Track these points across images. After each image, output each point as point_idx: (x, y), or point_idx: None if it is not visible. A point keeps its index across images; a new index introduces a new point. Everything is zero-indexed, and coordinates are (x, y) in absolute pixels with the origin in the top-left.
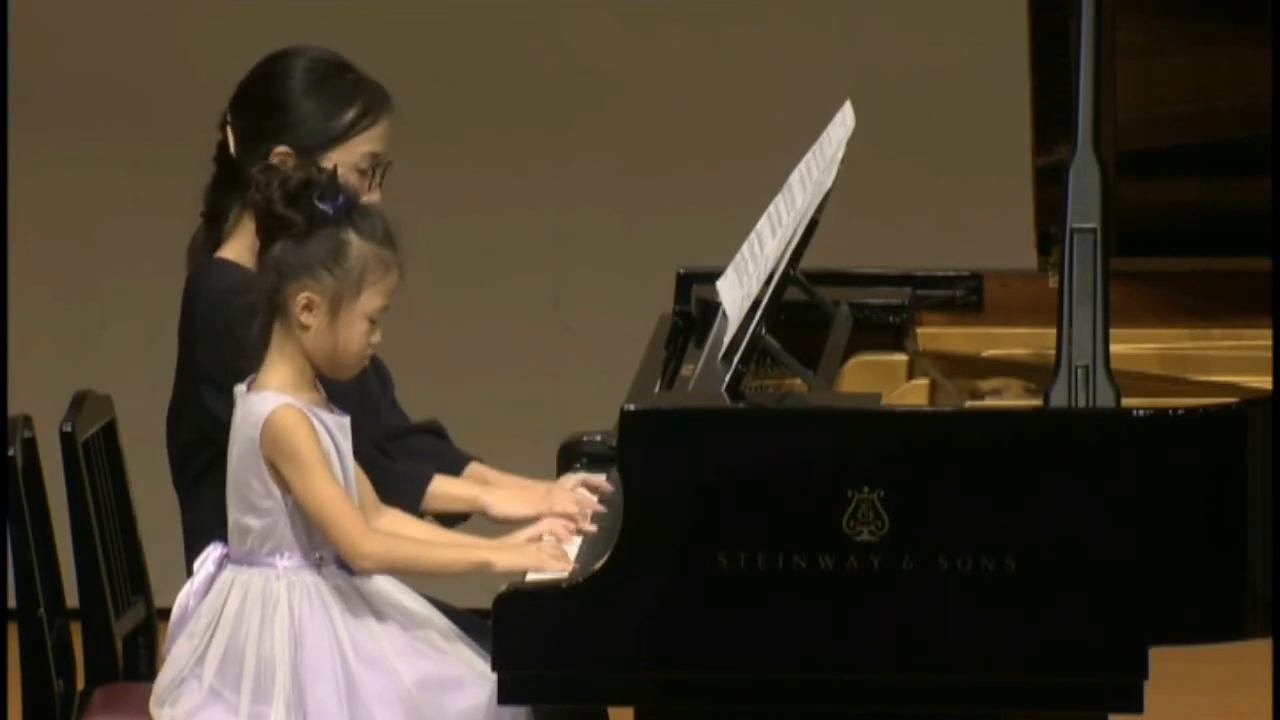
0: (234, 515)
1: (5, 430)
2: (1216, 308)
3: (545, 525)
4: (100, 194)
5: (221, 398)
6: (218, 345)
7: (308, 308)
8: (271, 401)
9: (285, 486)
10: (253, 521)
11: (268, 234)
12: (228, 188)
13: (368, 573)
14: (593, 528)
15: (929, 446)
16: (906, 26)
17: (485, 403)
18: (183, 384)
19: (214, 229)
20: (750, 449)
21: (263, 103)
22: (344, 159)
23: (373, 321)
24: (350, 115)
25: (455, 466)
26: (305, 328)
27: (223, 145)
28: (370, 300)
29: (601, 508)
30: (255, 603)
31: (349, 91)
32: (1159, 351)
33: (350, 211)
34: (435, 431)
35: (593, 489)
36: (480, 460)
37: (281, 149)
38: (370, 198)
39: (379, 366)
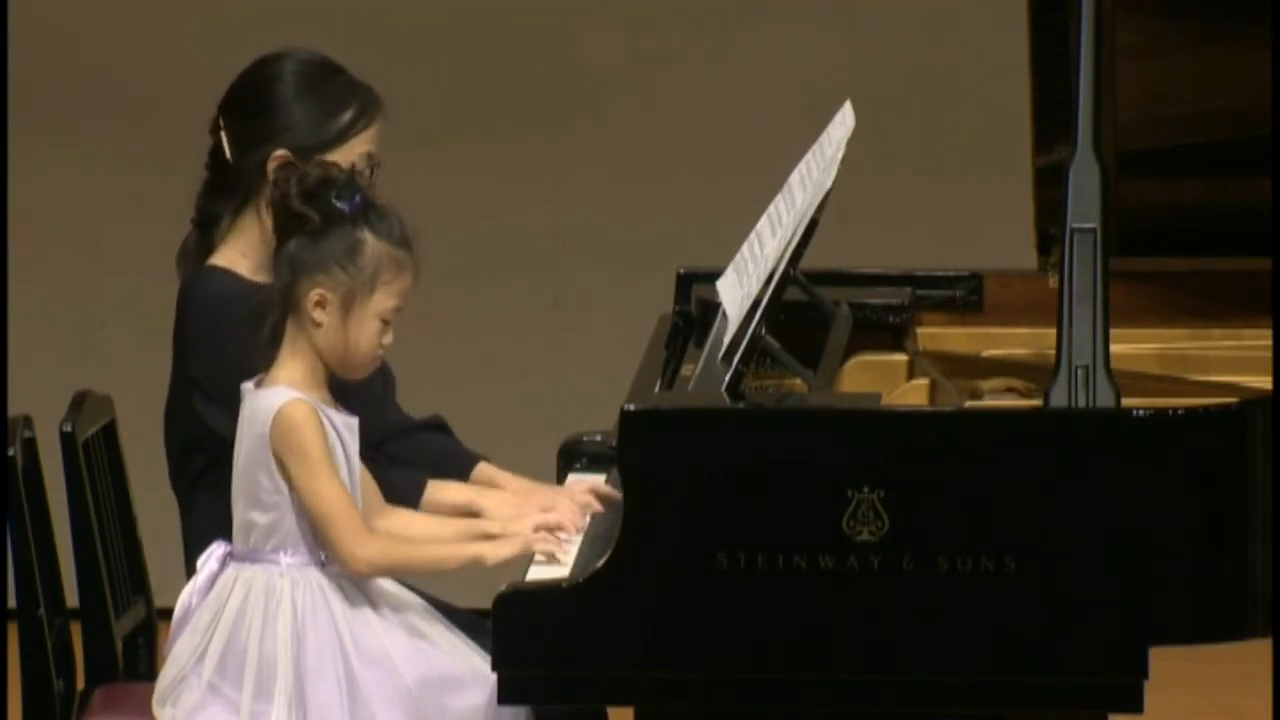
0: (240, 511)
1: (5, 430)
2: (1216, 308)
3: (555, 517)
4: (100, 194)
5: (212, 408)
6: (209, 355)
7: (320, 305)
8: (282, 396)
9: (291, 482)
10: (259, 517)
11: (283, 231)
12: (221, 192)
13: (361, 576)
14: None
15: (929, 446)
16: (906, 26)
17: (485, 403)
18: (176, 391)
19: (205, 235)
20: (750, 449)
21: (254, 106)
22: (341, 160)
23: (385, 322)
24: (346, 117)
25: (463, 465)
26: (317, 325)
27: (215, 150)
28: (383, 300)
29: (600, 507)
30: (258, 599)
31: (343, 94)
32: (1159, 351)
33: (367, 211)
34: (440, 427)
35: (602, 498)
36: (488, 460)
37: (280, 153)
38: None
39: (383, 366)
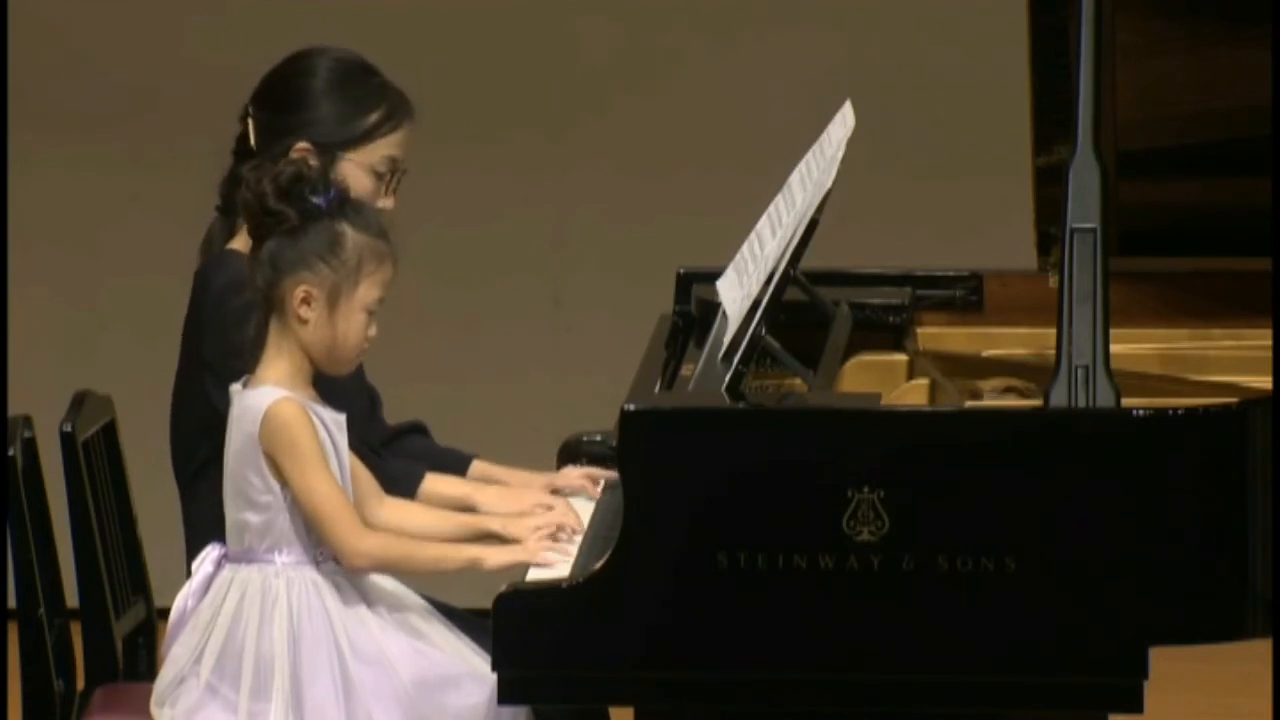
0: (232, 513)
1: (5, 430)
2: (1216, 308)
3: (555, 517)
4: (100, 194)
5: (222, 389)
6: (224, 336)
7: (306, 301)
8: (270, 395)
9: (284, 481)
10: (251, 517)
11: (260, 230)
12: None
13: (361, 570)
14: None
15: (929, 446)
16: (906, 26)
17: (485, 403)
18: (186, 374)
19: (228, 221)
20: (750, 449)
21: (284, 98)
22: (363, 161)
23: (370, 313)
24: (373, 118)
25: (457, 466)
26: (304, 321)
27: (242, 137)
28: (368, 291)
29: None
30: (254, 600)
31: (373, 95)
32: (1159, 351)
33: (343, 204)
34: (420, 430)
35: (595, 481)
36: (478, 457)
37: (302, 145)
38: (384, 203)
39: (369, 386)
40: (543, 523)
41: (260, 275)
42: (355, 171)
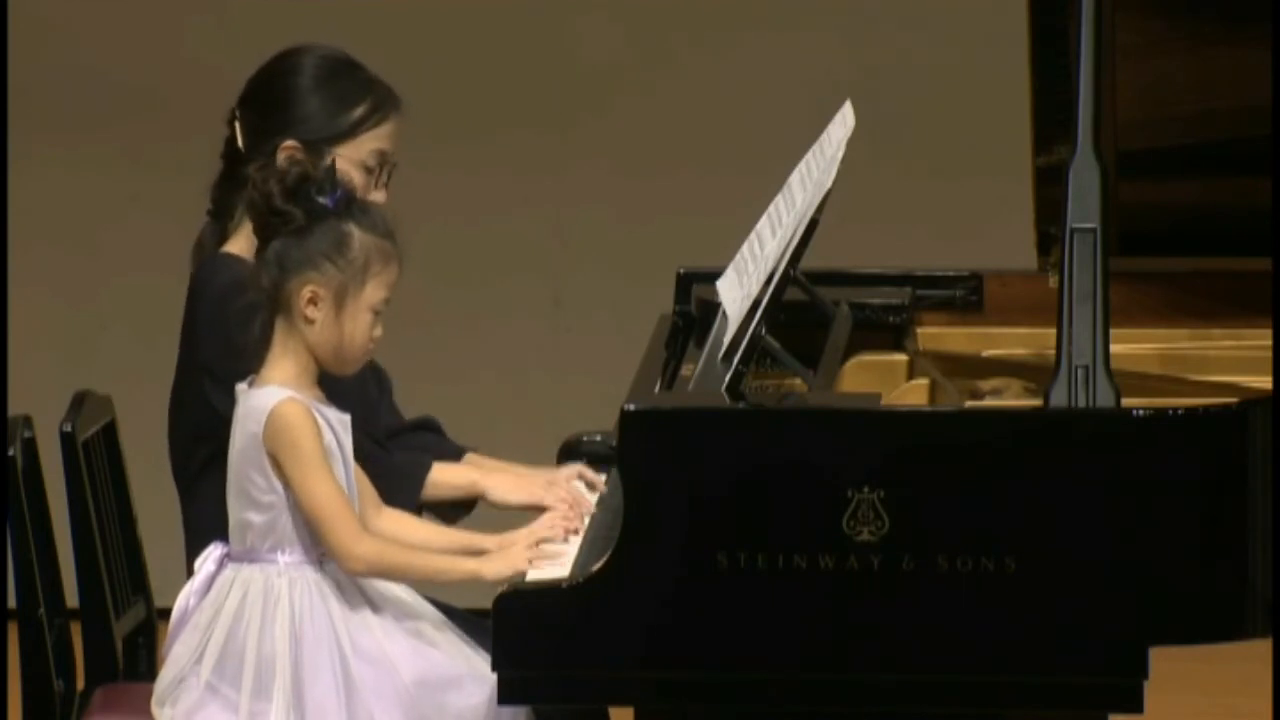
0: (235, 512)
1: (5, 430)
2: (1216, 308)
3: (547, 521)
4: (100, 195)
5: (221, 392)
6: (220, 339)
7: (312, 301)
8: (275, 395)
9: (285, 481)
10: (254, 517)
11: (266, 230)
12: (235, 183)
13: (357, 575)
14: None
15: (929, 446)
16: (906, 26)
17: (485, 403)
18: (184, 377)
19: (220, 225)
20: (750, 449)
21: (270, 98)
22: (351, 155)
23: (376, 313)
24: (359, 112)
25: (452, 458)
26: (310, 321)
27: (230, 140)
28: (374, 291)
29: (593, 505)
30: (256, 599)
31: (358, 89)
32: (1159, 351)
33: (350, 204)
34: (430, 427)
35: (588, 483)
36: (475, 450)
37: (289, 144)
38: (376, 196)
39: (377, 370)
40: (536, 529)
41: (266, 275)
42: (344, 167)
